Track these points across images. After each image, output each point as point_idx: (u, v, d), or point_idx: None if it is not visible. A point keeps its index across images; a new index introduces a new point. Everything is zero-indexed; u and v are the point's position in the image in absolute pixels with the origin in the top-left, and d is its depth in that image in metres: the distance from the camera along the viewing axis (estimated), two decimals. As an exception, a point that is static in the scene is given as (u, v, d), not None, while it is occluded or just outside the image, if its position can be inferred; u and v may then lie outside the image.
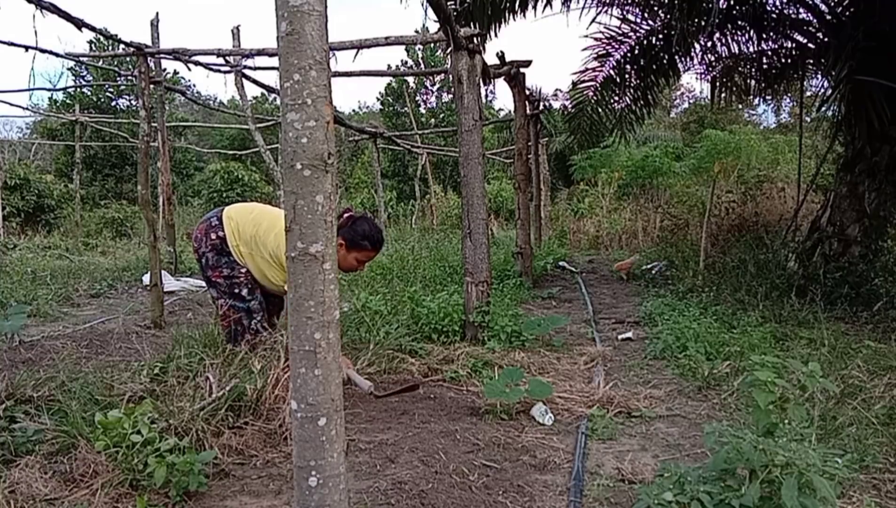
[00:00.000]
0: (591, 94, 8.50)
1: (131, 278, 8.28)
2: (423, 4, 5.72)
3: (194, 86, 35.02)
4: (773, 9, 6.67)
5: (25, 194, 15.48)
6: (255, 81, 7.56)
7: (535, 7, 7.01)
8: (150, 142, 5.98)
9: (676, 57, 7.53)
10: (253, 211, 3.45)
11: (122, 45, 5.82)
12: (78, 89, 20.13)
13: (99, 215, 16.77)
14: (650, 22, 7.43)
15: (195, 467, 2.24)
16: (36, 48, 5.31)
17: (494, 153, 17.60)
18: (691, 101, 28.48)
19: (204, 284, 7.74)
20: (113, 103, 21.64)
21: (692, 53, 7.47)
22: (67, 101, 20.27)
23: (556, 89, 20.86)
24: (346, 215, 3.30)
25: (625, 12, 7.38)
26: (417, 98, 26.85)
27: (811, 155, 12.10)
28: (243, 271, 3.35)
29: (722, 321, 4.75)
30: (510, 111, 14.67)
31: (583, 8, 7.05)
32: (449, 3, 5.96)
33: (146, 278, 6.89)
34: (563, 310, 6.15)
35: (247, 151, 18.33)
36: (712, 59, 7.69)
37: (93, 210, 17.76)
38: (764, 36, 6.90)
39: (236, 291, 3.35)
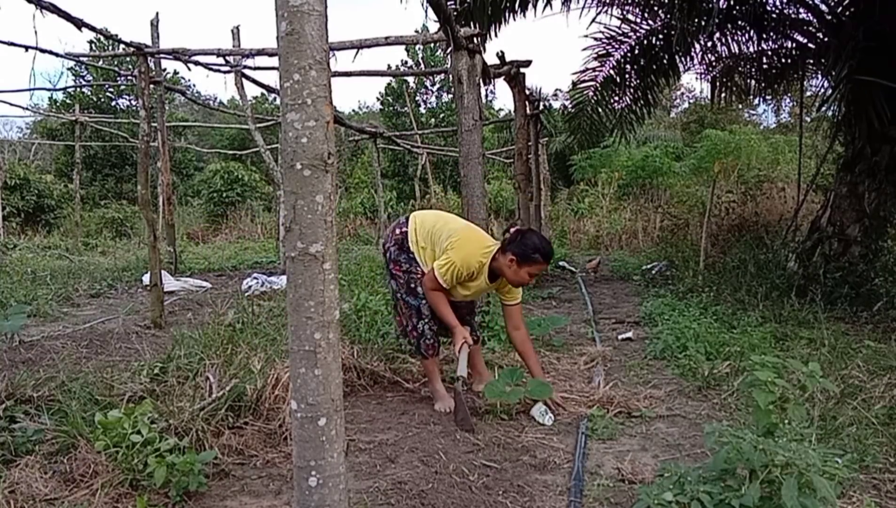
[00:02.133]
0: (591, 94, 8.49)
1: (131, 278, 8.28)
2: (423, 4, 5.72)
3: (194, 86, 34.96)
4: (773, 9, 6.66)
5: (25, 194, 15.50)
6: (255, 81, 7.57)
7: (535, 7, 7.00)
8: (150, 142, 5.98)
9: (676, 57, 7.52)
10: (439, 215, 3.52)
11: (122, 45, 5.82)
12: (78, 89, 20.11)
13: (99, 215, 16.79)
14: (650, 22, 7.43)
15: (195, 467, 2.24)
16: (36, 48, 5.31)
17: (494, 153, 17.58)
18: (691, 101, 28.42)
19: (204, 284, 7.90)
20: (113, 103, 21.62)
21: (692, 53, 7.46)
22: (67, 101, 20.25)
23: (556, 89, 20.86)
24: (513, 230, 3.30)
25: (625, 12, 7.38)
26: (417, 98, 26.82)
27: (811, 155, 12.09)
28: (419, 268, 3.36)
29: (722, 321, 4.75)
30: (510, 111, 14.66)
31: (583, 8, 7.06)
32: (449, 3, 5.96)
33: (146, 278, 6.89)
34: (563, 310, 6.15)
35: (247, 151, 18.31)
36: (712, 59, 7.68)
37: (93, 210, 17.77)
38: (764, 36, 6.89)
39: (412, 285, 3.35)
